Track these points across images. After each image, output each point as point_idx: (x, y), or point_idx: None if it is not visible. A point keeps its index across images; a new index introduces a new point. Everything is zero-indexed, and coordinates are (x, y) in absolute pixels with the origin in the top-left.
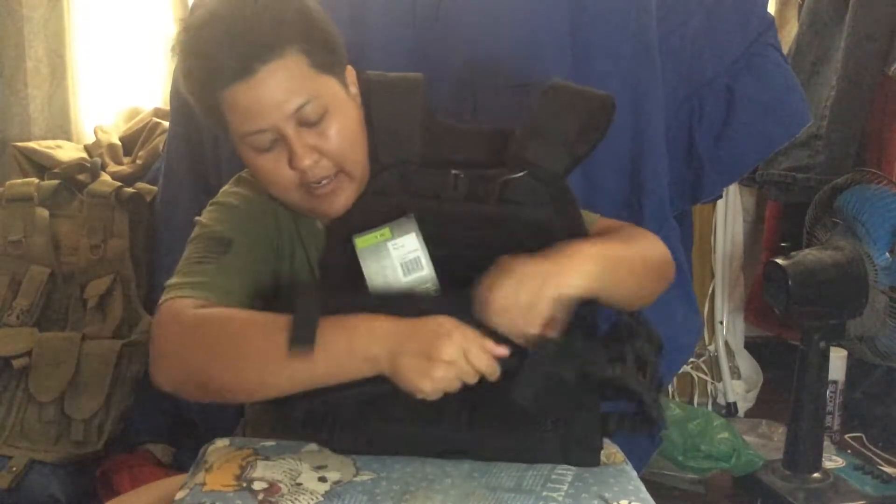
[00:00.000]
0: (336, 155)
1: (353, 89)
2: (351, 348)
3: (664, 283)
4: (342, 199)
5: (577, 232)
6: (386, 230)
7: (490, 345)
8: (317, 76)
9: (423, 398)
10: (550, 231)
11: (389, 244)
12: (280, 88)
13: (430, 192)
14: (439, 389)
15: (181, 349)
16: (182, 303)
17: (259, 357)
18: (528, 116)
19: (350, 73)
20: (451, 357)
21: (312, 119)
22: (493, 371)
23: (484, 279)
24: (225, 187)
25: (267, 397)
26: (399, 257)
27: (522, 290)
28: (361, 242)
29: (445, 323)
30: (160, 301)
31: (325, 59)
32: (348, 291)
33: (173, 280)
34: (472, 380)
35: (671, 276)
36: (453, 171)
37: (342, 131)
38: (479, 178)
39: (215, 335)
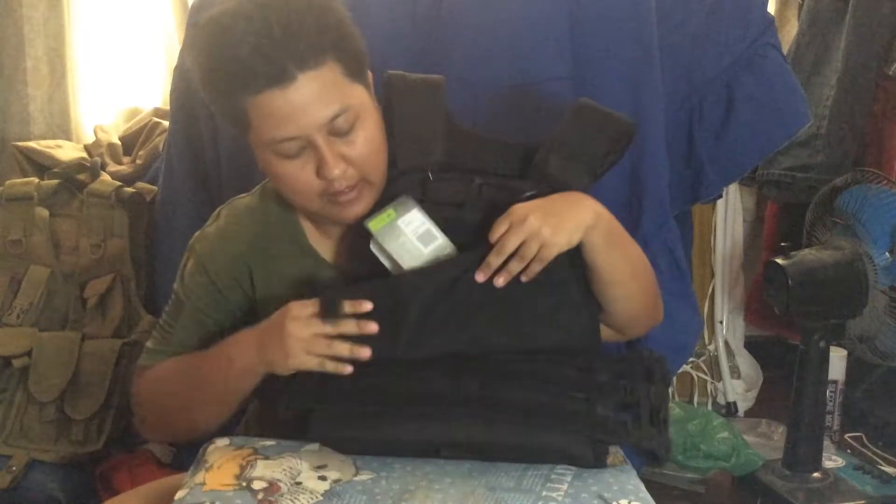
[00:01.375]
0: (362, 163)
1: (372, 92)
2: (230, 364)
3: (654, 311)
4: (362, 205)
5: None
6: (391, 210)
7: (359, 303)
8: (349, 84)
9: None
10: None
11: (399, 222)
12: (317, 97)
13: (451, 199)
14: (304, 360)
15: (149, 408)
16: (149, 371)
17: (195, 387)
18: (555, 132)
19: (369, 76)
20: (296, 323)
21: (345, 129)
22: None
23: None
24: (210, 218)
25: (221, 416)
26: (412, 232)
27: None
28: (374, 224)
29: (291, 307)
30: (139, 363)
31: (356, 66)
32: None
33: (149, 344)
34: (343, 351)
35: (659, 310)
36: (477, 181)
37: (369, 139)
38: (501, 188)
39: (162, 386)
